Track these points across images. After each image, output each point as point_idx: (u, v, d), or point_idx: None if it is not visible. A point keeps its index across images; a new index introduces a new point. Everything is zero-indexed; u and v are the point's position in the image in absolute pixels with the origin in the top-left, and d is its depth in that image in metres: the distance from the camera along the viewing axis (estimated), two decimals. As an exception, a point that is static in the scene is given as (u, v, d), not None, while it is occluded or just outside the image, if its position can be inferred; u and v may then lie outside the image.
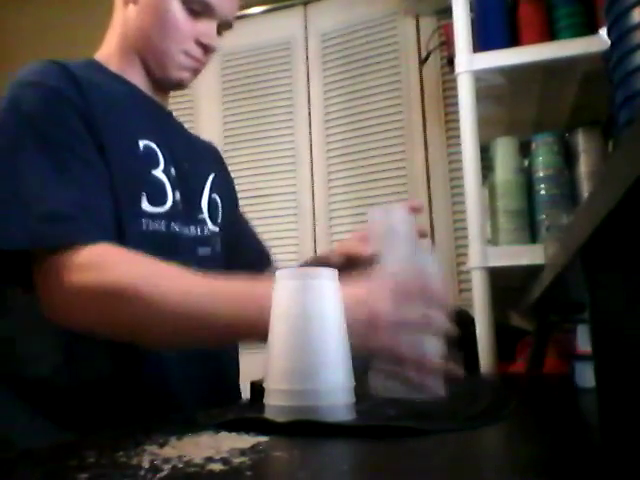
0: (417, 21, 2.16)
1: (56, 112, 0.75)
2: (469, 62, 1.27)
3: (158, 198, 0.82)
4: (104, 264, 0.69)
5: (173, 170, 0.86)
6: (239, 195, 1.13)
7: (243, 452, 0.45)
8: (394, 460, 0.44)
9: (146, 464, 0.42)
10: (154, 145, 0.84)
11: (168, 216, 0.83)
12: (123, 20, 0.90)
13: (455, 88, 1.30)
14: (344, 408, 0.56)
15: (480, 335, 1.19)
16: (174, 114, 1.00)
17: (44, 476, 0.43)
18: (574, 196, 1.27)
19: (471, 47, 1.28)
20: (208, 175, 0.96)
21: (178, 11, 0.86)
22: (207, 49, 0.89)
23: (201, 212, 0.91)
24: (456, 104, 1.30)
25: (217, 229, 0.95)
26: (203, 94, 2.37)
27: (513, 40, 1.31)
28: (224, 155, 1.14)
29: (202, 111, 2.37)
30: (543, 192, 1.27)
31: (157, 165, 0.84)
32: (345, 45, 2.26)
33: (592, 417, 0.60)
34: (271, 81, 2.35)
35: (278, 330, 0.56)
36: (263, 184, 2.27)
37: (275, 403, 0.56)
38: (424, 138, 2.10)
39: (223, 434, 0.52)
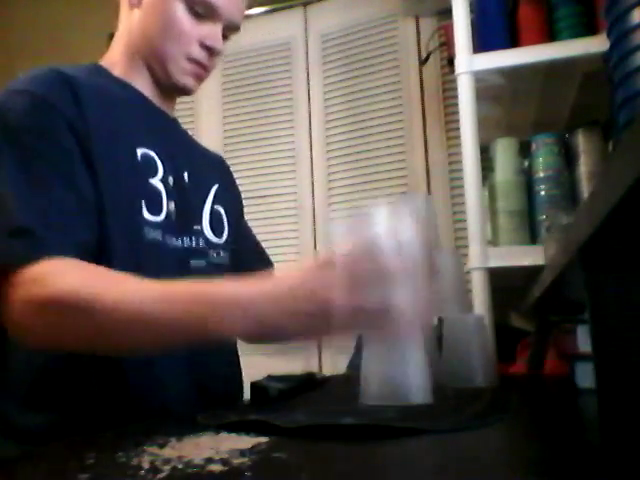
0: (417, 22, 2.16)
1: (42, 123, 0.74)
2: (469, 63, 1.27)
3: (155, 207, 0.81)
4: (48, 277, 0.66)
5: (171, 179, 0.85)
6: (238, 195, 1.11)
7: (243, 453, 0.45)
8: (394, 460, 0.44)
9: (146, 465, 0.42)
10: (153, 153, 0.83)
11: (163, 226, 0.81)
12: (128, 25, 0.89)
13: (455, 89, 1.30)
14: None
15: (480, 336, 1.19)
16: (178, 120, 0.99)
17: (44, 476, 0.43)
18: (574, 197, 1.27)
19: (471, 48, 1.29)
20: (211, 186, 0.95)
21: (182, 14, 0.85)
22: (212, 52, 0.88)
23: (198, 223, 0.89)
24: (456, 105, 1.30)
25: (220, 241, 0.93)
26: (203, 95, 2.37)
27: (513, 41, 1.31)
28: (224, 156, 1.14)
29: (202, 112, 2.37)
30: (543, 193, 1.27)
31: (155, 174, 0.82)
32: (345, 46, 2.26)
33: (592, 417, 0.60)
34: (271, 82, 2.35)
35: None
36: (263, 184, 2.27)
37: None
38: (424, 139, 2.10)
39: (223, 435, 0.52)
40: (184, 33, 0.85)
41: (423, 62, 2.03)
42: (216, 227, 0.92)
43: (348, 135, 2.20)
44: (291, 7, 2.35)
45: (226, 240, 0.94)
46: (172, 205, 0.84)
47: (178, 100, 0.98)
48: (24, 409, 0.76)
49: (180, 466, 0.41)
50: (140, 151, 0.82)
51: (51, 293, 0.65)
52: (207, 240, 0.90)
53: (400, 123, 2.14)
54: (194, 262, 0.86)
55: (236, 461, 0.42)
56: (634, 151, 0.29)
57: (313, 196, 2.23)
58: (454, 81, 1.31)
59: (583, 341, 0.81)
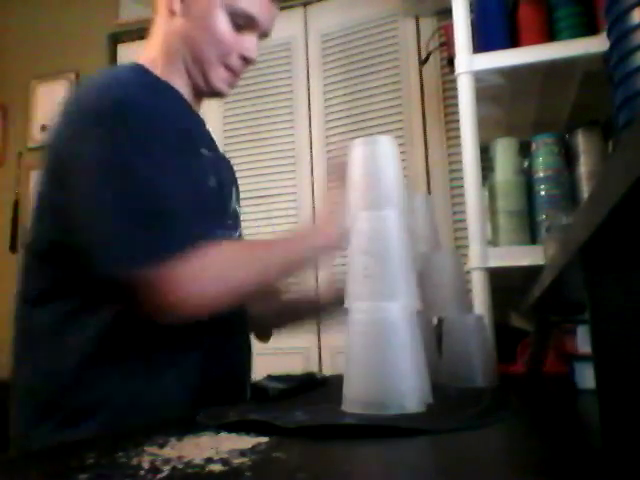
0: (417, 22, 2.16)
1: (157, 128, 0.81)
2: (469, 63, 1.27)
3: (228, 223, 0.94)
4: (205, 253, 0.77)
5: (214, 180, 0.92)
6: (240, 195, 1.14)
7: (243, 453, 0.45)
8: (394, 461, 0.44)
9: (146, 465, 0.42)
10: (209, 154, 0.92)
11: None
12: (168, 29, 0.92)
13: (455, 89, 1.30)
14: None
15: (480, 336, 1.19)
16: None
17: (44, 476, 0.43)
18: (574, 197, 1.27)
19: (471, 48, 1.28)
20: (232, 186, 1.01)
21: (225, 26, 0.90)
22: (248, 62, 0.94)
23: (229, 220, 0.96)
24: (456, 105, 1.30)
25: (236, 235, 1.00)
26: (203, 95, 2.37)
27: (513, 41, 1.31)
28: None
29: (202, 112, 2.37)
30: (543, 193, 1.27)
31: (209, 174, 0.90)
32: (345, 46, 2.26)
33: (592, 418, 0.60)
34: (271, 82, 2.35)
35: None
36: (263, 184, 2.27)
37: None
38: (424, 139, 2.10)
39: (223, 435, 0.52)
40: (225, 43, 0.90)
41: (423, 62, 2.03)
42: (235, 224, 0.99)
43: (348, 135, 2.20)
44: (291, 7, 2.36)
45: (239, 235, 1.02)
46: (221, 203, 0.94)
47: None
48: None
49: (180, 466, 0.41)
50: (203, 151, 0.90)
51: (213, 257, 0.78)
52: (230, 237, 0.97)
53: (400, 123, 2.14)
54: None
55: (236, 461, 0.42)
56: (634, 151, 0.29)
57: (313, 196, 2.23)
58: (454, 81, 1.31)
59: (583, 341, 0.81)
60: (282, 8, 2.55)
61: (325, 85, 2.28)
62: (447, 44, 1.82)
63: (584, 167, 1.28)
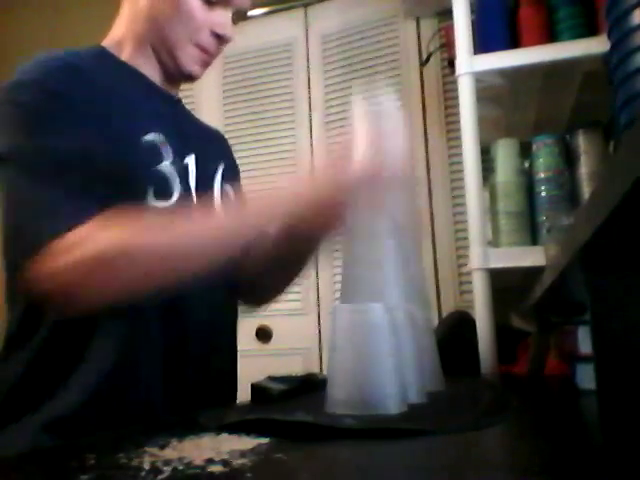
0: (418, 23, 2.16)
1: (51, 112, 0.75)
2: (470, 64, 1.27)
3: (164, 192, 0.80)
4: (88, 237, 0.69)
5: (182, 161, 0.85)
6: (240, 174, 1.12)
7: (244, 454, 0.45)
8: (395, 462, 0.44)
9: (147, 466, 0.42)
10: (161, 137, 0.82)
11: (173, 212, 0.81)
12: (134, 9, 0.87)
13: (456, 90, 1.30)
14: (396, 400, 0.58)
15: (481, 337, 1.19)
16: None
17: (45, 477, 0.43)
18: (575, 197, 1.27)
19: (472, 49, 1.28)
20: (218, 165, 0.94)
21: (193, 0, 0.83)
22: (221, 40, 0.87)
23: (212, 203, 0.90)
24: (457, 106, 1.30)
25: None
26: (204, 96, 2.37)
27: (514, 42, 1.31)
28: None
29: (203, 113, 2.37)
30: (544, 193, 1.27)
31: (163, 158, 0.82)
32: (346, 47, 2.26)
33: (593, 419, 0.60)
34: (272, 83, 2.35)
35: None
36: (264, 186, 2.27)
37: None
38: (425, 139, 2.10)
39: (224, 436, 0.52)
40: (195, 20, 0.84)
41: (424, 63, 2.03)
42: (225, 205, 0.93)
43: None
44: (292, 8, 2.36)
45: None
46: (188, 186, 0.84)
47: (178, 101, 0.98)
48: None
49: (181, 467, 0.41)
50: (147, 136, 0.81)
51: (99, 247, 0.68)
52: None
53: (401, 124, 2.14)
54: None
55: (237, 462, 0.42)
56: (635, 152, 0.29)
57: (314, 197, 2.23)
58: (455, 82, 1.31)
59: (584, 342, 0.81)
60: (283, 9, 2.55)
61: (326, 86, 2.28)
62: (448, 45, 1.82)
63: (585, 168, 1.28)
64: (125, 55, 0.88)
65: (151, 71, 0.89)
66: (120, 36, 0.89)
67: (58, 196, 0.72)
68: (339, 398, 0.59)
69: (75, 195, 0.72)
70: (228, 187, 0.95)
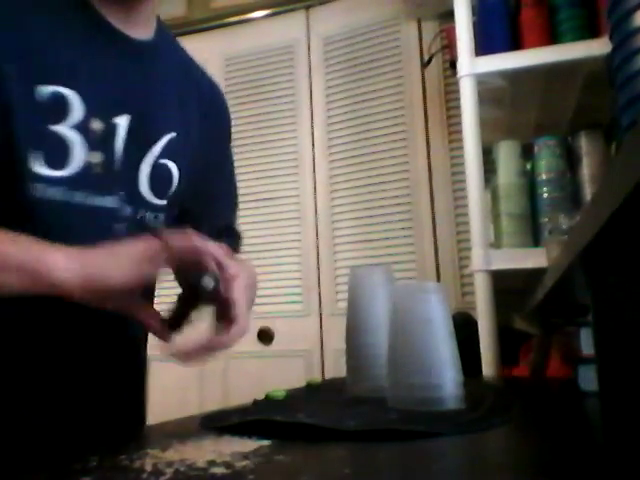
0: (419, 25, 2.16)
1: None
2: (471, 65, 1.27)
3: (56, 159, 0.67)
4: None
5: (97, 125, 0.70)
6: (241, 199, 0.98)
7: (245, 456, 0.45)
8: (396, 463, 0.44)
9: (149, 467, 0.42)
10: (68, 92, 0.67)
11: (71, 182, 0.68)
12: None
13: (457, 91, 1.30)
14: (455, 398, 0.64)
15: (483, 338, 1.19)
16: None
17: (47, 479, 0.43)
18: (576, 199, 1.27)
19: (473, 50, 1.29)
20: (162, 135, 0.77)
21: None
22: None
23: (132, 180, 0.74)
24: (458, 107, 1.30)
25: (160, 202, 0.77)
26: (206, 98, 2.37)
27: (515, 43, 1.31)
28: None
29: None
30: (545, 195, 1.27)
31: (63, 118, 0.67)
32: (347, 49, 2.26)
33: (595, 420, 0.60)
34: (273, 85, 2.35)
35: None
36: (266, 187, 2.28)
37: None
38: (426, 141, 2.10)
39: (225, 438, 0.52)
40: None
41: (425, 65, 2.04)
42: (158, 185, 0.77)
43: (350, 138, 2.20)
44: (293, 10, 2.36)
45: (170, 201, 0.79)
46: (97, 157, 0.70)
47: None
48: None
49: (182, 469, 0.41)
50: (47, 89, 0.66)
51: None
52: (142, 200, 0.75)
53: (402, 126, 2.14)
54: (116, 226, 0.73)
55: (238, 464, 0.42)
56: (637, 153, 0.29)
57: (315, 199, 2.23)
58: (456, 84, 1.32)
59: (586, 344, 0.81)
60: (284, 11, 2.55)
61: (327, 88, 2.28)
62: (449, 47, 1.82)
63: (586, 169, 1.28)
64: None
65: (116, 13, 0.73)
66: None
67: None
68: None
69: None
70: (169, 163, 0.78)
